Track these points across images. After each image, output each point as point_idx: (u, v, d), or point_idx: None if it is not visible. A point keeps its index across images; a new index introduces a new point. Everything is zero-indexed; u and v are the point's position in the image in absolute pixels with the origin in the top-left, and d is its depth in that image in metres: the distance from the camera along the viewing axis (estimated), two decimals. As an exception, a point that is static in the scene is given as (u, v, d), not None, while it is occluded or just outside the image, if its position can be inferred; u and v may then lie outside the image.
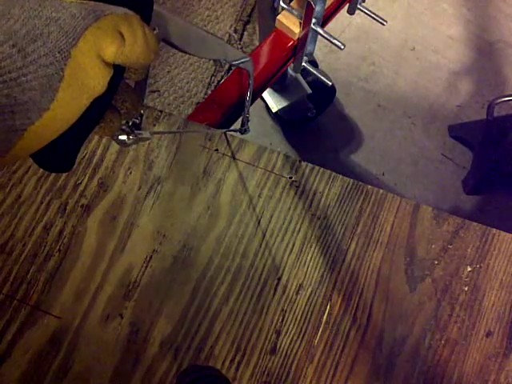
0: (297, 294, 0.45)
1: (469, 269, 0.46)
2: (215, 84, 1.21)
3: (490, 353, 0.44)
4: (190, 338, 0.44)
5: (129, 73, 0.23)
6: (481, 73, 1.22)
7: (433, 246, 0.47)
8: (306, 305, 0.45)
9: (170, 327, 0.44)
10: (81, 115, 0.20)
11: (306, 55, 0.67)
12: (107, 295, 0.45)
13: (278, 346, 0.44)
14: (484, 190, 1.10)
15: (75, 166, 0.49)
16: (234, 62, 0.32)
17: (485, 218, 1.09)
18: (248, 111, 0.43)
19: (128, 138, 0.28)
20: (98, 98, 0.20)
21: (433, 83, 1.21)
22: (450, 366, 0.43)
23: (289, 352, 0.44)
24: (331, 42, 0.59)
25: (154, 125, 0.50)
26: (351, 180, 0.49)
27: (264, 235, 0.47)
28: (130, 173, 0.49)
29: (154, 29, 0.23)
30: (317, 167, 0.49)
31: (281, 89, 0.98)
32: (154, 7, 0.23)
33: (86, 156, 0.50)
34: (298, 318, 0.45)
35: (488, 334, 0.44)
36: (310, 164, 0.49)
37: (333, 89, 1.06)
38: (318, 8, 0.56)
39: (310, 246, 0.47)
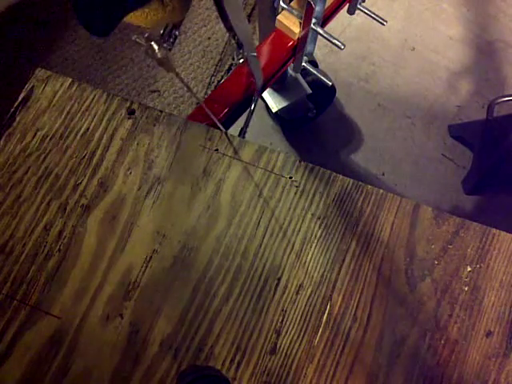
0: (297, 294, 0.45)
1: (469, 269, 0.46)
2: (215, 84, 1.21)
3: (489, 353, 0.44)
4: (189, 338, 0.44)
5: None
6: (481, 73, 1.22)
7: (433, 246, 0.47)
8: (305, 305, 0.45)
9: (170, 327, 0.44)
10: None
11: (305, 55, 0.67)
12: (107, 295, 0.45)
13: (277, 346, 0.44)
14: (484, 190, 1.10)
15: (75, 165, 0.49)
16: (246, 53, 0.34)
17: (485, 218, 1.09)
18: (255, 107, 0.44)
19: (159, 48, 0.29)
20: None
21: (433, 83, 1.21)
22: (450, 366, 0.43)
23: (289, 352, 0.44)
24: (331, 41, 0.59)
25: (154, 125, 0.50)
26: (351, 180, 0.49)
27: (264, 235, 0.47)
28: (130, 173, 0.49)
29: None
30: (317, 167, 0.49)
31: (281, 89, 0.98)
32: None
33: (86, 156, 0.50)
34: (298, 318, 0.45)
35: (488, 334, 0.44)
36: (310, 164, 0.49)
37: (333, 89, 1.06)
38: (317, 8, 0.56)
39: (310, 246, 0.47)
